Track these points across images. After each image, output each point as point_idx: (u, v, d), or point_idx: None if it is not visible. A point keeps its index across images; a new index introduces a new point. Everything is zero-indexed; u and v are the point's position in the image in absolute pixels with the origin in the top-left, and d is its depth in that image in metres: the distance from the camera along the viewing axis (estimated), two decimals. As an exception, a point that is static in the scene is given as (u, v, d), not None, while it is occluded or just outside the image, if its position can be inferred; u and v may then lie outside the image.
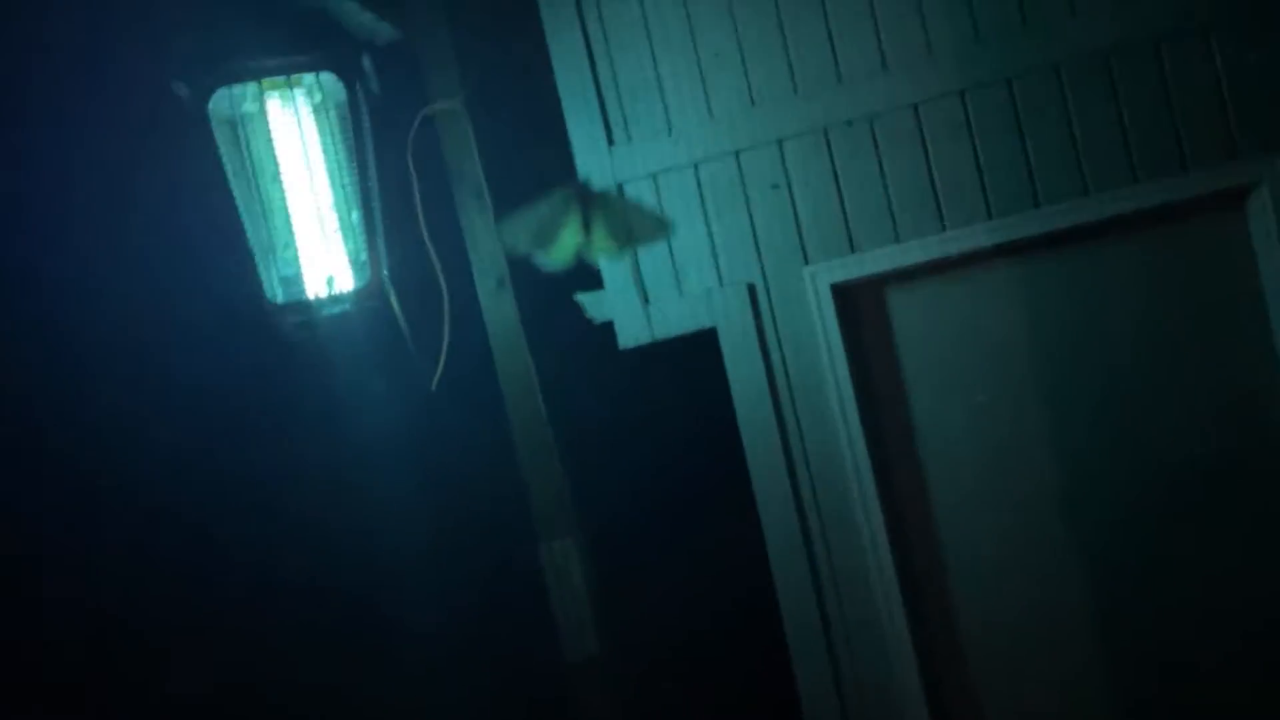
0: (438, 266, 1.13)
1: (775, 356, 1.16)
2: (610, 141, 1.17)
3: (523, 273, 1.13)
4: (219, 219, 1.01)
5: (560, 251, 0.92)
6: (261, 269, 1.05)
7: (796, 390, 1.16)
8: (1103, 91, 1.12)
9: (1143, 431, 1.15)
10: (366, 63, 1.12)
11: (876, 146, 1.15)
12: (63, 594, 0.84)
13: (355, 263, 1.11)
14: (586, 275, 1.15)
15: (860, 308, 1.20)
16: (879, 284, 1.19)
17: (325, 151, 1.09)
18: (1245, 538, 1.13)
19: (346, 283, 1.11)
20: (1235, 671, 1.14)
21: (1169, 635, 1.15)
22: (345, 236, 1.10)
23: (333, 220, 1.10)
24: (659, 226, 1.01)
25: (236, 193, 1.04)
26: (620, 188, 1.16)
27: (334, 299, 1.09)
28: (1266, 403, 1.12)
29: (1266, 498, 1.13)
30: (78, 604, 0.85)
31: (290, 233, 1.08)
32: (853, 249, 1.16)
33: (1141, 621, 1.15)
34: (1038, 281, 1.17)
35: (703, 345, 1.17)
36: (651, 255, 1.17)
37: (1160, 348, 1.15)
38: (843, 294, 1.17)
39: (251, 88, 1.06)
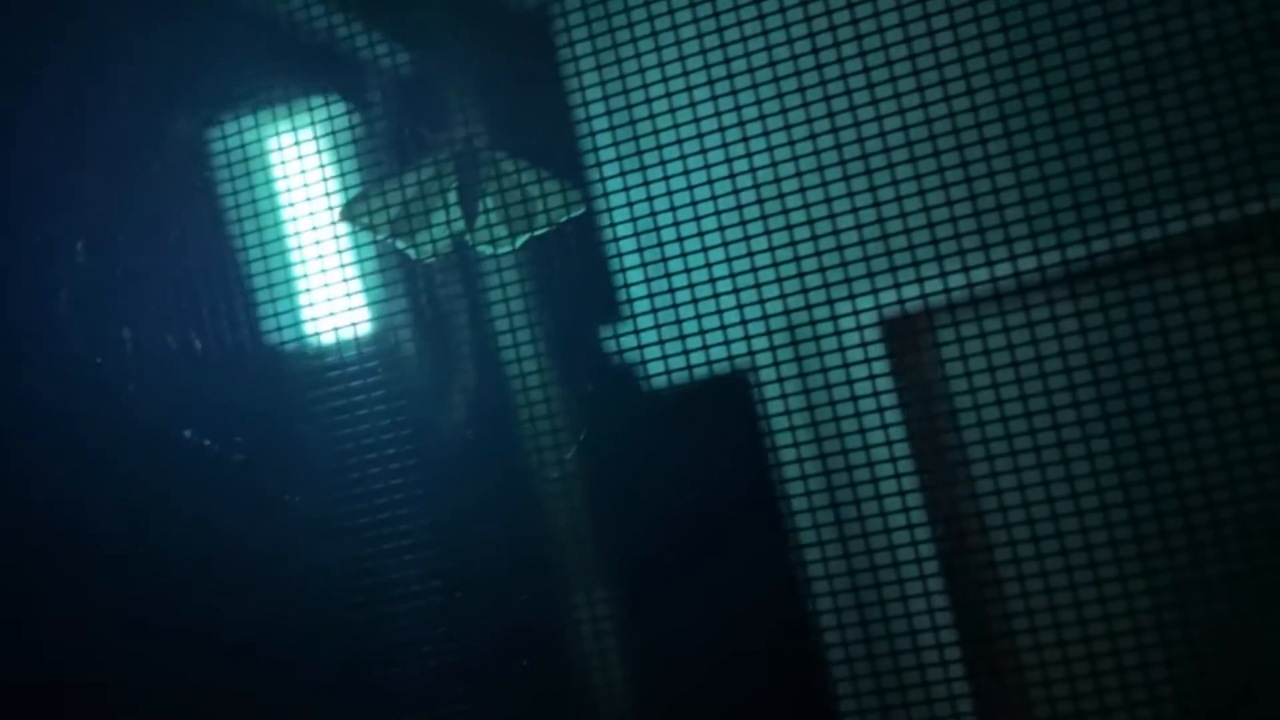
0: (456, 309, 1.08)
1: (817, 396, 1.10)
2: (637, 171, 1.12)
3: (547, 309, 1.08)
4: (218, 258, 0.97)
5: (430, 238, 0.67)
6: (264, 311, 1.00)
7: (840, 432, 1.10)
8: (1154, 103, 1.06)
9: (1201, 472, 1.09)
10: (380, 95, 1.08)
11: (919, 171, 1.10)
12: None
13: (370, 304, 1.06)
14: (611, 309, 1.10)
15: (908, 342, 1.14)
16: (927, 317, 1.13)
17: (337, 185, 1.05)
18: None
19: (360, 327, 1.06)
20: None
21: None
22: (359, 275, 1.05)
23: (343, 258, 1.05)
24: (569, 202, 0.74)
25: (237, 230, 1.00)
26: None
27: (344, 342, 1.04)
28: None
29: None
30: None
31: (295, 273, 1.03)
32: (898, 280, 1.10)
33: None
34: (1097, 313, 1.12)
35: (738, 383, 1.11)
36: (684, 288, 1.11)
37: (1231, 381, 1.09)
38: (890, 328, 1.11)
39: (257, 118, 1.01)
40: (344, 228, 1.00)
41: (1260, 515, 1.09)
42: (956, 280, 1.09)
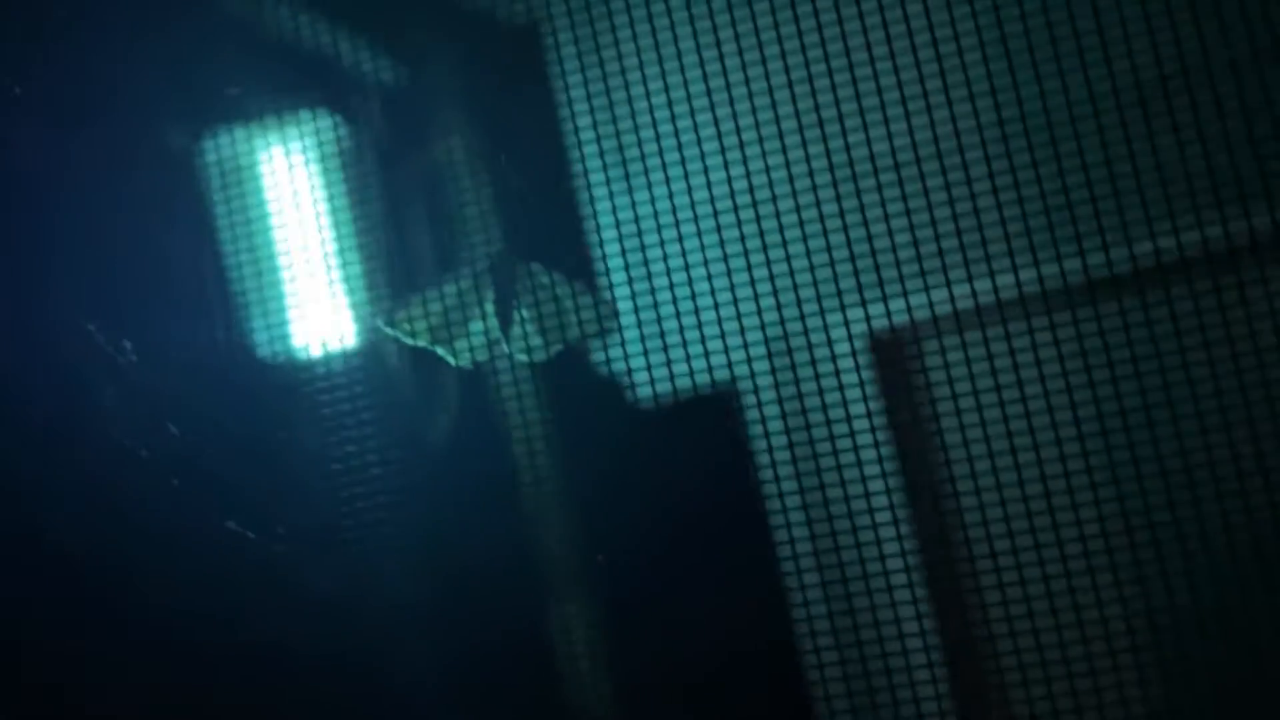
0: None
1: (803, 412, 1.10)
2: (624, 185, 1.13)
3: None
4: (207, 268, 0.97)
5: (469, 346, 0.71)
6: (251, 322, 1.01)
7: (825, 447, 1.10)
8: (1144, 130, 1.07)
9: (1189, 490, 1.09)
10: (372, 106, 1.08)
11: (908, 187, 1.10)
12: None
13: (356, 316, 1.06)
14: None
15: (896, 359, 1.14)
16: (914, 333, 1.13)
17: (326, 199, 1.05)
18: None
19: (345, 337, 1.06)
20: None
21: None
22: (345, 289, 1.06)
23: (332, 272, 1.05)
24: (605, 318, 0.78)
25: (226, 240, 1.00)
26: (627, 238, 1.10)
27: (330, 355, 1.05)
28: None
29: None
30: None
31: (284, 284, 1.03)
32: (887, 296, 1.10)
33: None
34: (1085, 332, 1.12)
35: (723, 397, 1.11)
36: (672, 301, 1.11)
37: (1214, 402, 1.09)
38: (878, 344, 1.11)
39: (247, 129, 1.02)
40: (331, 245, 1.01)
41: (1234, 545, 1.10)
42: (940, 296, 1.09)
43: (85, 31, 0.95)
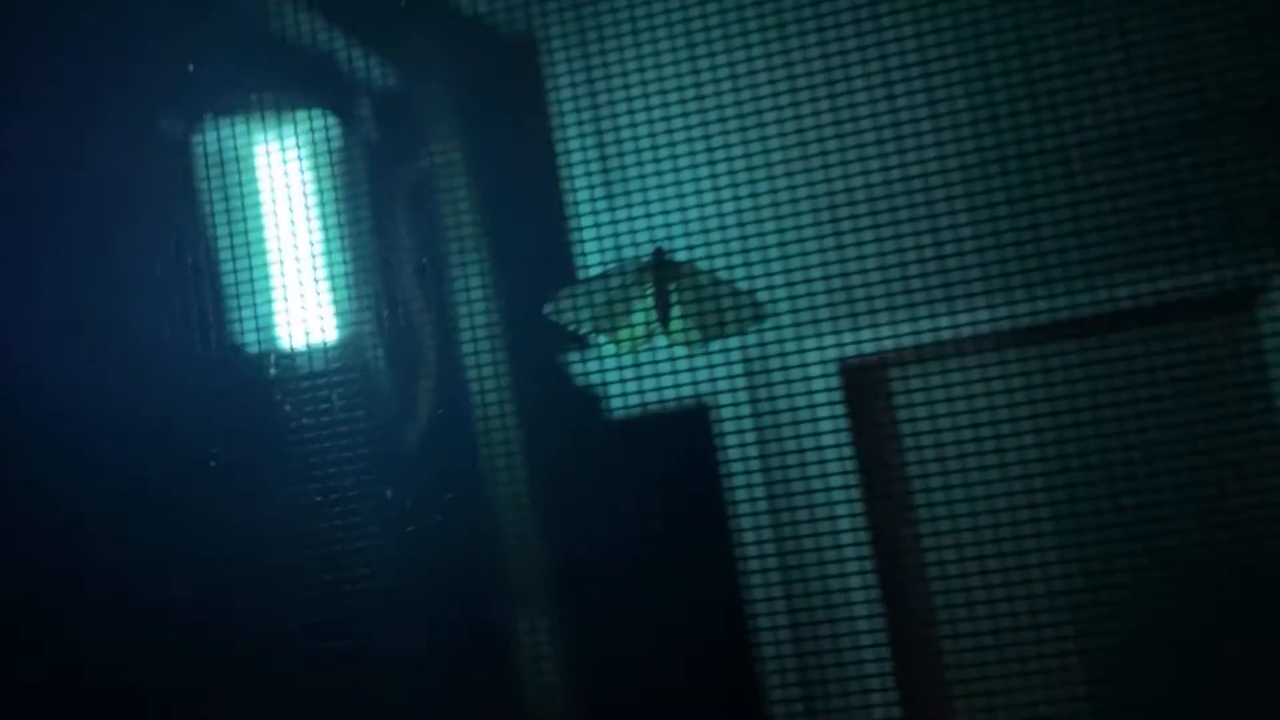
0: (426, 323, 1.09)
1: (771, 432, 1.12)
2: (610, 198, 1.14)
3: (516, 331, 1.09)
4: (197, 258, 0.97)
5: (630, 335, 0.76)
6: (237, 314, 1.01)
7: (794, 469, 1.12)
8: (1110, 177, 1.10)
9: (1143, 528, 1.12)
10: (365, 107, 1.09)
11: (881, 219, 1.12)
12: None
13: (340, 313, 1.07)
14: (579, 335, 1.11)
15: (864, 386, 1.16)
16: (884, 363, 1.15)
17: (317, 195, 1.05)
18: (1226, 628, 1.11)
19: (328, 334, 1.06)
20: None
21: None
22: (331, 286, 1.06)
23: (319, 268, 1.06)
24: (757, 313, 0.83)
25: (217, 232, 1.00)
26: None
27: (313, 350, 1.05)
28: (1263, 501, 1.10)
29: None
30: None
31: (271, 278, 1.03)
32: (857, 325, 1.12)
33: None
34: (1047, 369, 1.15)
35: (697, 414, 1.13)
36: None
37: (1163, 445, 1.12)
38: (846, 371, 1.12)
39: (243, 123, 1.02)
40: (319, 246, 1.02)
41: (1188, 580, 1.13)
42: (908, 329, 1.12)
43: (78, 21, 0.95)
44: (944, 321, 1.11)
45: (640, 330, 0.76)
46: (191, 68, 0.99)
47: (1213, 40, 1.07)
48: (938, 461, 1.14)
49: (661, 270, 0.76)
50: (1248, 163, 1.06)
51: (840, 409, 1.10)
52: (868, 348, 1.12)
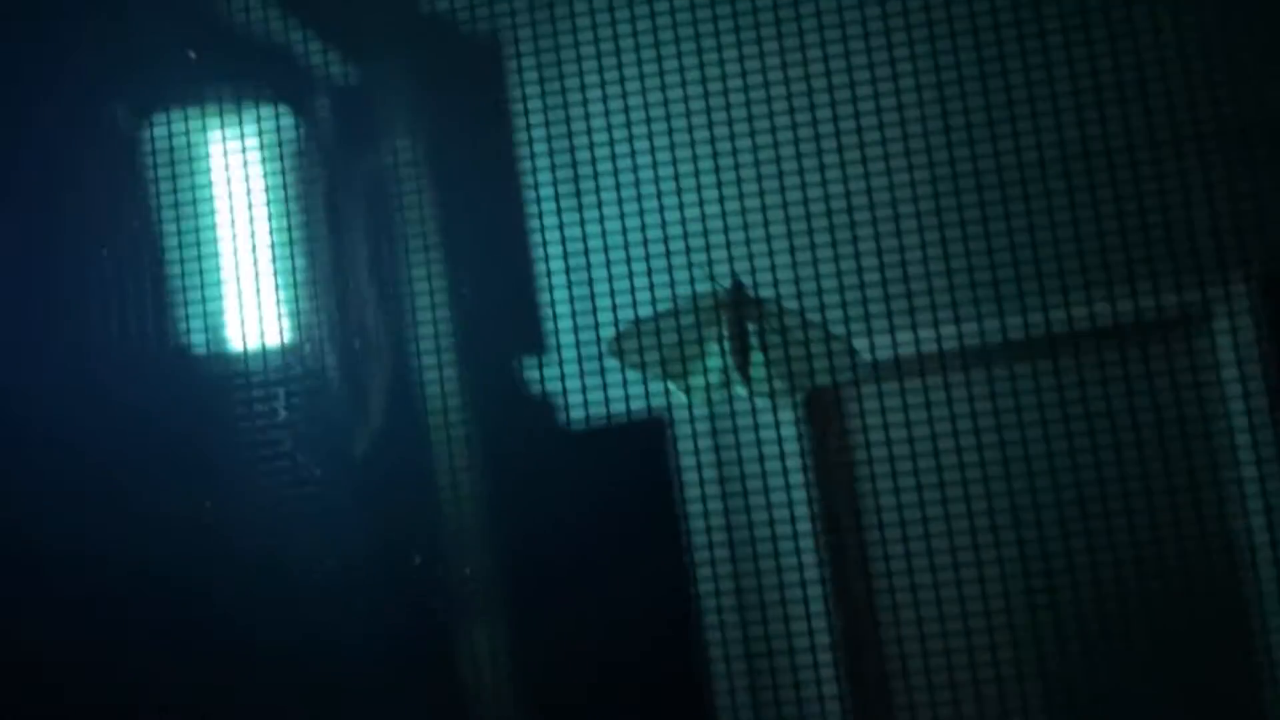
0: (379, 326, 1.07)
1: (727, 445, 1.11)
2: (574, 200, 1.12)
3: (472, 334, 1.07)
4: (143, 254, 0.95)
5: (702, 385, 0.61)
6: (184, 313, 0.98)
7: (752, 480, 1.11)
8: (1066, 199, 1.10)
9: (1100, 547, 1.13)
10: (322, 103, 1.06)
11: (838, 235, 1.11)
12: None
13: (291, 315, 1.04)
14: (535, 341, 1.10)
15: (822, 402, 1.16)
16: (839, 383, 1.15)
17: (269, 192, 1.03)
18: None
19: (280, 336, 1.04)
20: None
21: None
22: (282, 286, 1.04)
23: (270, 268, 1.03)
24: (855, 364, 0.67)
25: (166, 228, 0.97)
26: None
27: (263, 352, 1.02)
28: (1213, 523, 1.12)
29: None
30: None
31: (222, 277, 1.01)
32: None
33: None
34: (1000, 389, 1.15)
35: (655, 425, 1.12)
36: (614, 325, 1.10)
37: (1117, 464, 1.13)
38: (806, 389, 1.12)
39: (197, 116, 0.99)
40: (272, 245, 0.99)
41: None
42: (863, 345, 1.12)
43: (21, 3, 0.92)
44: (903, 337, 1.11)
45: (716, 378, 0.63)
46: (193, 55, 0.96)
47: (1168, 66, 1.08)
48: (889, 477, 1.14)
49: (740, 308, 0.62)
50: (1194, 192, 1.07)
51: (798, 428, 1.10)
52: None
